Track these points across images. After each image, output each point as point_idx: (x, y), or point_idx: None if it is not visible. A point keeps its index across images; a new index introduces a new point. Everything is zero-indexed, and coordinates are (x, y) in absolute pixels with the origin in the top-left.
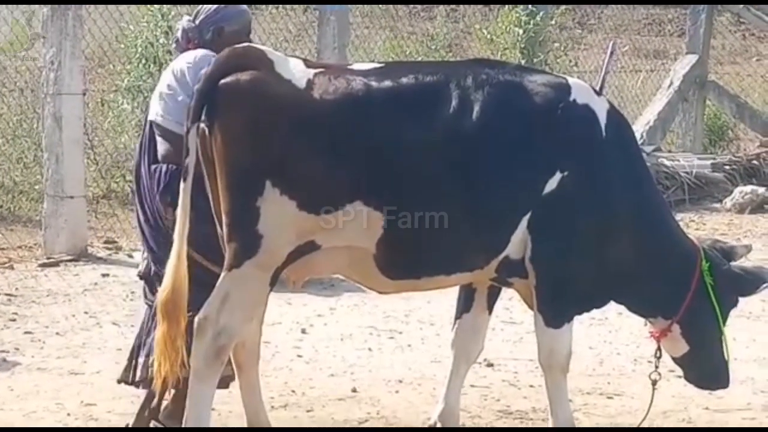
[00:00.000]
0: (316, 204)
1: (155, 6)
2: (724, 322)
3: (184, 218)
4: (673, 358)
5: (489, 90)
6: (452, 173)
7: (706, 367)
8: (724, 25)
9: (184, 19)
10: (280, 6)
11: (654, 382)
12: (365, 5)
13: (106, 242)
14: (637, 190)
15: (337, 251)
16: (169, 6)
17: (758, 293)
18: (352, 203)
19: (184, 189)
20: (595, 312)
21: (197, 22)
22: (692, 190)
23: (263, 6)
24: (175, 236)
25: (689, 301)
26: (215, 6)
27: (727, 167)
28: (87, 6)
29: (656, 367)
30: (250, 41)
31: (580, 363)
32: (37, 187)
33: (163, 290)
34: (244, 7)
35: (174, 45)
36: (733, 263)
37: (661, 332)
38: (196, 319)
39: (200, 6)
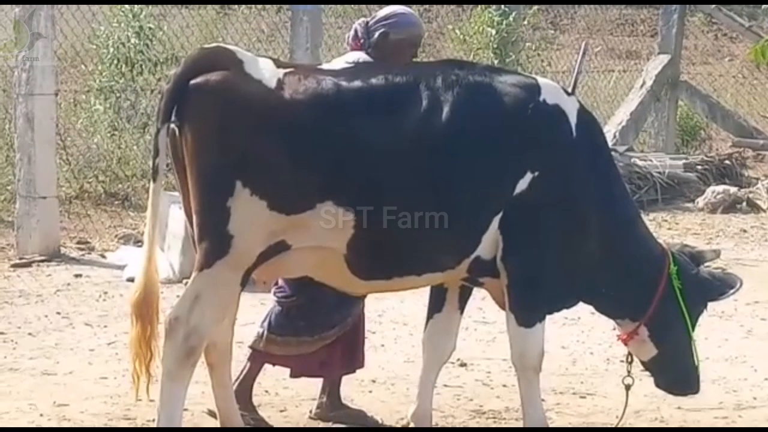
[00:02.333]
0: (287, 204)
1: (127, 6)
2: (693, 327)
3: (153, 219)
4: (642, 363)
5: (458, 91)
6: (422, 174)
7: (675, 372)
8: (696, 26)
9: (361, 18)
10: (253, 6)
11: (627, 387)
12: (338, 5)
13: (78, 243)
14: (606, 191)
15: (307, 252)
16: (140, 6)
17: (726, 298)
18: (322, 203)
19: (154, 190)
20: (567, 312)
21: (370, 23)
22: (665, 190)
23: (236, 6)
24: (145, 237)
25: (657, 303)
26: (392, 11)
27: (700, 167)
28: (59, 6)
29: (628, 371)
30: (414, 56)
31: (552, 362)
32: (9, 187)
33: (135, 291)
34: (417, 20)
35: (346, 44)
36: (701, 268)
37: (628, 334)
38: (166, 319)
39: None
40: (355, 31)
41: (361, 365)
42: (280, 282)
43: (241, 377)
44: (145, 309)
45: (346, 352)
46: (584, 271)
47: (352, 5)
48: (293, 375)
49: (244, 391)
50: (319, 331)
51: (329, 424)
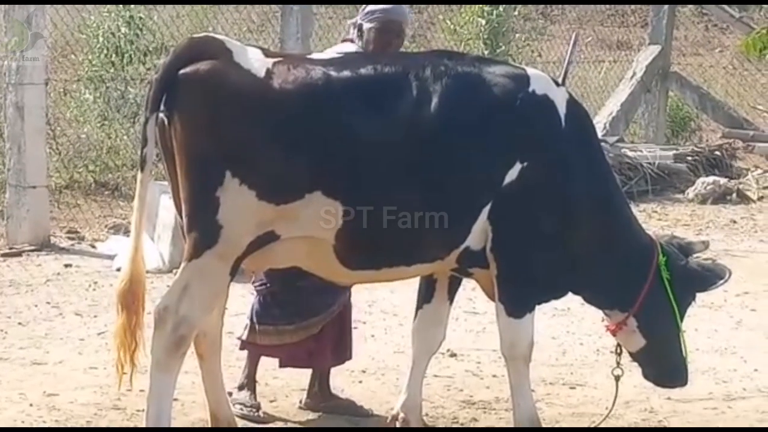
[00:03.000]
0: (276, 194)
1: None
2: (682, 318)
3: (141, 209)
4: (631, 354)
5: (448, 81)
6: (411, 164)
7: (664, 364)
8: (686, 16)
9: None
10: None
11: (617, 378)
12: None
13: (68, 232)
14: (595, 181)
15: (296, 242)
16: None
17: (715, 289)
18: (311, 193)
19: (142, 180)
20: (557, 302)
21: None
22: (655, 181)
23: None
24: (132, 227)
25: (645, 294)
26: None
27: (690, 158)
28: None
29: (618, 363)
30: (396, 45)
31: (542, 353)
32: None
33: (122, 281)
34: (394, 9)
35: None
36: (690, 259)
37: (617, 325)
38: (156, 309)
39: None
40: (350, 27)
41: (349, 357)
42: None
43: (245, 379)
44: (130, 298)
45: (336, 343)
46: (573, 262)
47: None
48: (282, 365)
49: (250, 384)
50: (298, 319)
51: (319, 415)
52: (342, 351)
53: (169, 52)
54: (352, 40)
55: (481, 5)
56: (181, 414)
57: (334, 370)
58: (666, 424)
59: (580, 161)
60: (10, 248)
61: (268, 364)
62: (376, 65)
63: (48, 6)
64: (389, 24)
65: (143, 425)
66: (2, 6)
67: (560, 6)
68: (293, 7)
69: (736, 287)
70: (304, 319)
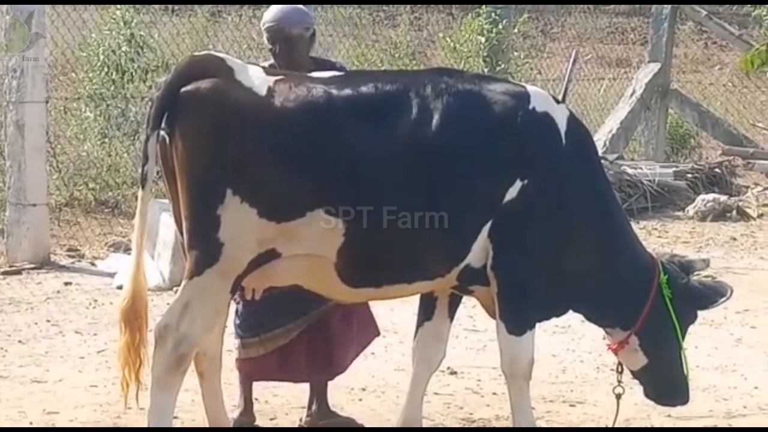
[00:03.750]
0: (277, 212)
1: (118, 13)
2: (683, 336)
3: (142, 226)
4: (632, 372)
5: (448, 99)
6: (412, 182)
7: (665, 382)
8: (686, 34)
9: None
10: (243, 13)
11: (618, 396)
12: (329, 13)
13: (68, 250)
14: (596, 199)
15: (297, 259)
16: (131, 13)
17: (716, 307)
18: (313, 211)
19: (143, 197)
20: (558, 320)
21: None
22: (654, 198)
23: (226, 14)
24: (133, 245)
25: (647, 312)
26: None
27: (690, 175)
28: (49, 13)
29: (619, 381)
30: (291, 48)
31: (542, 370)
32: None
33: (124, 299)
34: (277, 15)
35: None
36: (691, 277)
37: (619, 344)
38: (156, 327)
39: None
40: None
41: (339, 370)
42: None
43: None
44: (133, 316)
45: (311, 355)
46: (574, 280)
47: (343, 13)
48: (255, 379)
49: (246, 403)
50: (261, 331)
51: None
52: (323, 364)
53: (171, 69)
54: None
55: (480, 23)
56: None
57: (333, 388)
58: None
59: (581, 179)
60: (10, 266)
61: (267, 383)
62: (376, 83)
63: (48, 23)
64: (274, 33)
65: None
66: (3, 21)
67: (560, 24)
68: None
69: (736, 304)
70: (269, 330)
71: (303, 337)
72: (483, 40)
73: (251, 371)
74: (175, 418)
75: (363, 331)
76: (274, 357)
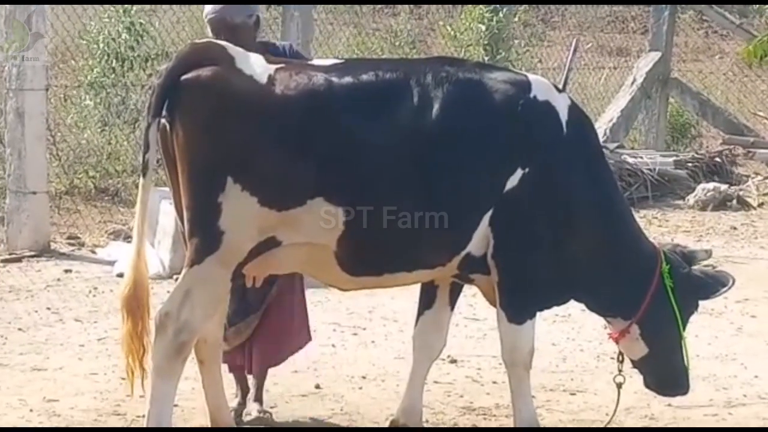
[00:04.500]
0: (278, 200)
1: None
2: (684, 326)
3: (143, 214)
4: (633, 362)
5: (449, 87)
6: (413, 170)
7: (666, 372)
8: (687, 23)
9: None
10: None
11: (619, 385)
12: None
13: (68, 238)
14: (597, 188)
15: (297, 248)
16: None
17: (717, 297)
18: (313, 199)
19: (143, 185)
20: (558, 309)
21: None
22: (655, 187)
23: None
24: (134, 233)
25: (648, 301)
26: None
27: (690, 164)
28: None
29: (620, 370)
30: (236, 38)
31: (543, 359)
32: None
33: (125, 287)
34: (211, 6)
35: None
36: (693, 267)
37: (620, 333)
38: (157, 315)
39: None
40: None
41: (303, 343)
42: None
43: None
44: (135, 304)
45: (277, 334)
46: (575, 269)
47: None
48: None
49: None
50: (237, 320)
51: (319, 420)
52: (285, 341)
53: (171, 57)
54: None
55: (481, 11)
56: (181, 420)
57: (334, 376)
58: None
59: (582, 167)
60: (11, 254)
61: (268, 371)
62: (377, 71)
63: (48, 11)
64: (216, 24)
65: None
66: (2, 9)
67: (560, 12)
68: (294, 13)
69: (736, 294)
70: (245, 317)
71: (263, 319)
72: (483, 28)
73: (229, 363)
74: (176, 405)
75: (298, 334)
76: (245, 345)
